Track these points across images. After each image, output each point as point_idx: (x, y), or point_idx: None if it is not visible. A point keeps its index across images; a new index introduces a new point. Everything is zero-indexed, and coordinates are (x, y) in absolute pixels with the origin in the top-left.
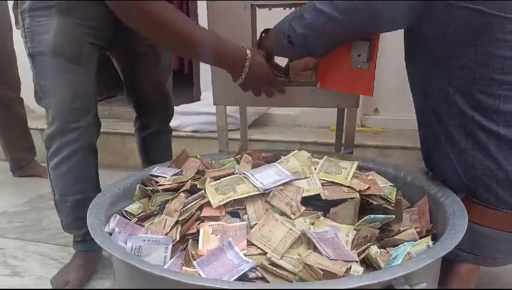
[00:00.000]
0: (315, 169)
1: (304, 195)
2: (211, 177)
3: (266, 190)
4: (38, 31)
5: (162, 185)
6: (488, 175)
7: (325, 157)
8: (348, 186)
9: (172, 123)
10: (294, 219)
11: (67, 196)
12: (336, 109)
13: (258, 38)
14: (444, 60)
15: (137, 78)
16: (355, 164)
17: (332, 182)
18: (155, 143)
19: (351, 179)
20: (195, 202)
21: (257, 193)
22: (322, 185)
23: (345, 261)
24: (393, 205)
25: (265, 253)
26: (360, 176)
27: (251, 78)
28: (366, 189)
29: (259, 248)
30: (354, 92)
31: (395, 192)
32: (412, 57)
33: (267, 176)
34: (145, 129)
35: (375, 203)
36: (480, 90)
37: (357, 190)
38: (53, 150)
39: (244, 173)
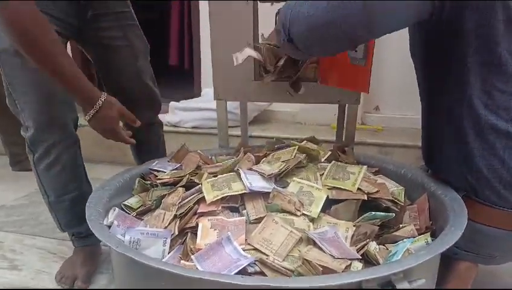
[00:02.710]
0: (321, 175)
1: None
2: (209, 173)
3: (251, 190)
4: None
5: (160, 179)
6: (493, 174)
7: (333, 162)
8: (357, 190)
9: (173, 119)
10: (300, 215)
11: (64, 195)
12: (337, 106)
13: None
14: (466, 56)
15: (113, 70)
16: (364, 168)
17: (340, 188)
18: (145, 137)
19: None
20: (193, 196)
21: (246, 191)
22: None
23: (347, 259)
24: (399, 207)
25: (267, 255)
26: (369, 180)
27: (96, 122)
28: (375, 192)
29: (260, 251)
30: (351, 88)
31: (403, 193)
32: (425, 57)
33: (258, 180)
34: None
35: (384, 205)
36: (497, 87)
37: (366, 192)
38: (41, 152)
39: (239, 169)
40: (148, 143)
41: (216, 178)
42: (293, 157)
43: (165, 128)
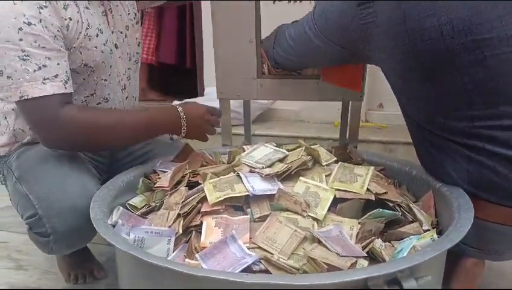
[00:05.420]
0: (326, 176)
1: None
2: (211, 173)
3: (254, 195)
4: None
5: (159, 186)
6: (484, 178)
7: (340, 163)
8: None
9: None
10: (306, 216)
11: None
12: (340, 103)
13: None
14: (406, 92)
15: None
16: (371, 169)
17: (348, 191)
18: None
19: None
20: (196, 195)
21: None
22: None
23: (353, 256)
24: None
25: (272, 254)
26: (378, 181)
27: (191, 131)
28: (383, 193)
29: (265, 250)
30: (346, 86)
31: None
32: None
33: (260, 182)
34: None
35: (390, 204)
36: (447, 116)
37: (374, 192)
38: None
39: (239, 173)
40: None
41: (219, 179)
42: (298, 158)
43: None
